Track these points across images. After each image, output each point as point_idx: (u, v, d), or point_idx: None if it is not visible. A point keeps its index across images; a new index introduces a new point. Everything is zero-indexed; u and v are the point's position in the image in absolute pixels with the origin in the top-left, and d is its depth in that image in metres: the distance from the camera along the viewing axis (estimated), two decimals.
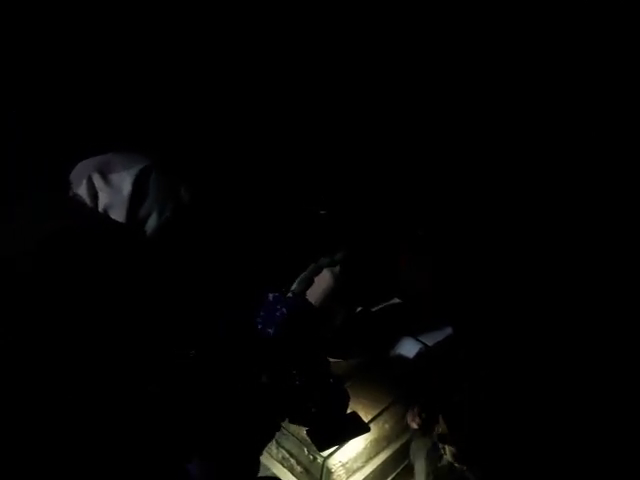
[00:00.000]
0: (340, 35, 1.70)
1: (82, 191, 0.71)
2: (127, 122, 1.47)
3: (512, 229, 1.58)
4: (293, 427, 1.17)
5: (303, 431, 1.15)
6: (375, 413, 1.21)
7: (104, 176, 0.72)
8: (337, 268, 0.89)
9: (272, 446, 1.21)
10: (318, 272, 0.90)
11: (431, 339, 1.37)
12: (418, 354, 1.35)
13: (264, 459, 1.20)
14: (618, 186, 1.47)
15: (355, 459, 1.16)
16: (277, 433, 1.19)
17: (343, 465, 1.13)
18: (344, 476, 1.13)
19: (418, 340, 1.37)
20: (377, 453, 1.21)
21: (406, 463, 1.29)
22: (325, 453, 1.10)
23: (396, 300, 1.51)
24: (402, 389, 1.27)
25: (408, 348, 1.35)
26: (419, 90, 1.69)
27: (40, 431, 0.60)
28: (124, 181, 0.72)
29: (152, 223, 0.73)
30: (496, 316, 1.44)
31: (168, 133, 1.51)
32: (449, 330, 1.42)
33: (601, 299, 1.44)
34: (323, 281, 0.89)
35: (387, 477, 1.25)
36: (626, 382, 1.26)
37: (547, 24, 1.45)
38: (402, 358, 1.35)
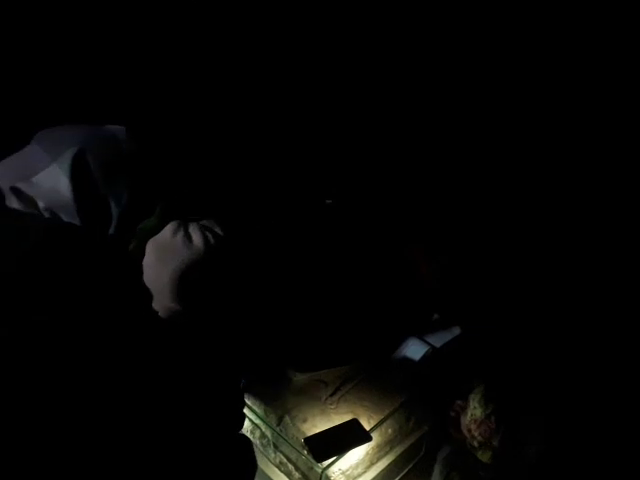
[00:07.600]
0: (351, 38, 1.64)
1: (16, 205, 0.58)
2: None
3: (522, 230, 1.52)
4: (291, 432, 1.13)
5: (301, 436, 1.10)
6: (378, 417, 1.15)
7: (28, 181, 0.58)
8: None
9: (270, 450, 1.16)
10: None
11: (438, 340, 1.31)
12: (425, 355, 1.29)
13: (262, 464, 1.15)
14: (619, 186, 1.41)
15: (356, 466, 1.11)
16: (275, 436, 1.15)
17: (343, 473, 1.08)
18: None
19: (425, 341, 1.31)
20: (379, 459, 1.16)
21: (410, 467, 1.25)
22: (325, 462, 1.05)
23: (402, 301, 1.45)
24: (406, 392, 1.22)
25: (415, 349, 1.29)
26: (432, 90, 1.62)
27: (43, 431, 0.56)
28: (57, 176, 0.58)
29: (116, 209, 0.61)
30: (504, 316, 1.39)
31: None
32: (456, 331, 1.36)
33: (607, 298, 1.40)
34: None
35: None
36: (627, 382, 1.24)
37: (547, 24, 1.38)
38: (408, 360, 1.29)
